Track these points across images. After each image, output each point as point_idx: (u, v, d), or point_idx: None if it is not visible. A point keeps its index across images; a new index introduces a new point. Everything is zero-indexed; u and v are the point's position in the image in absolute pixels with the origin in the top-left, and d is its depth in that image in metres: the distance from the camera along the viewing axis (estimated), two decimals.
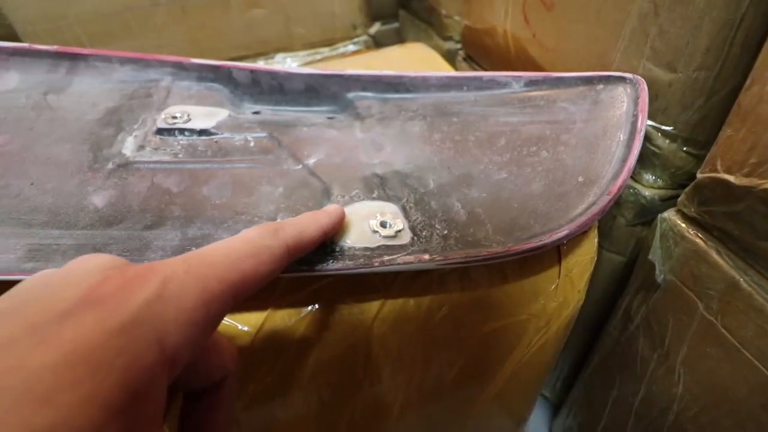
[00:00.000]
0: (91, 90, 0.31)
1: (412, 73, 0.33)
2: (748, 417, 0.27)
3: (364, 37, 0.63)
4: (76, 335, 0.11)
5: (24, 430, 0.09)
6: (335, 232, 0.22)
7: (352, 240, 0.22)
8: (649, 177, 0.31)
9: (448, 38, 0.57)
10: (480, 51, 0.48)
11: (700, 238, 0.27)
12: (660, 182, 0.31)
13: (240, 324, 0.22)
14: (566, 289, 0.28)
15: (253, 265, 0.15)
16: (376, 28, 0.65)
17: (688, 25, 0.25)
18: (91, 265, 0.13)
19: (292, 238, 0.17)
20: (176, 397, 0.17)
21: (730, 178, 0.23)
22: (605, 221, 0.35)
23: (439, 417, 0.32)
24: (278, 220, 0.24)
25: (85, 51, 0.32)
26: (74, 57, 0.32)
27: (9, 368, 0.10)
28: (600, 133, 0.27)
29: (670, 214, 0.29)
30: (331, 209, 0.22)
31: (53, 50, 0.32)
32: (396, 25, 0.70)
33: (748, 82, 0.22)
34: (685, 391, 0.31)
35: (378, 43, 0.65)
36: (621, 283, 0.37)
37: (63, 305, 0.11)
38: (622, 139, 0.26)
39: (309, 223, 0.19)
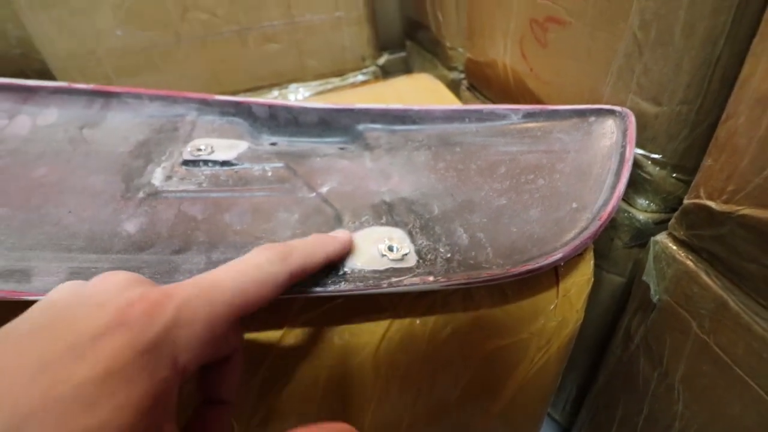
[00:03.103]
0: (123, 124, 0.34)
1: (417, 107, 0.36)
2: None
3: (372, 68, 0.66)
4: (110, 354, 0.13)
5: (78, 429, 0.12)
6: (342, 257, 0.24)
7: (362, 263, 0.24)
8: (642, 201, 0.33)
9: (453, 68, 0.59)
10: (482, 81, 0.51)
11: (690, 259, 0.28)
12: (653, 206, 0.33)
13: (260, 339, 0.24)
14: (565, 309, 0.29)
15: (258, 291, 0.17)
16: (384, 58, 0.69)
17: (669, 63, 0.27)
18: (115, 283, 0.16)
19: (298, 267, 0.19)
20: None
21: (712, 204, 0.24)
22: (604, 243, 0.37)
23: None
24: None
25: (117, 89, 0.35)
26: (108, 94, 0.35)
27: (58, 381, 0.12)
28: (592, 162, 0.29)
29: (662, 237, 0.30)
30: (340, 235, 0.24)
31: (89, 89, 0.35)
32: (403, 54, 0.73)
33: (723, 116, 0.24)
34: (684, 408, 0.31)
35: (386, 71, 0.68)
36: (622, 303, 0.38)
37: (95, 326, 0.14)
38: (612, 168, 0.28)
39: (316, 251, 0.21)
